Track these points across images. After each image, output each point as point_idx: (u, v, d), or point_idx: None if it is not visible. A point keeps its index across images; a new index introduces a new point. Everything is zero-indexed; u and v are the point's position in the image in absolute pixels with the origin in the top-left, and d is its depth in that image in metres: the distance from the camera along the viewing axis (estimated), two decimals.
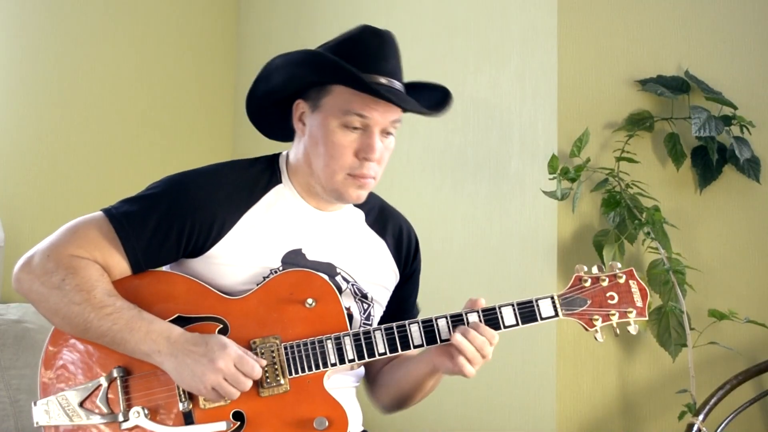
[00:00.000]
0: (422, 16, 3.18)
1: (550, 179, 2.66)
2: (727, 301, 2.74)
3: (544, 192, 2.65)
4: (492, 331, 1.82)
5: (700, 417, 2.51)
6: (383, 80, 1.81)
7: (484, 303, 1.86)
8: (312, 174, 1.88)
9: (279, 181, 1.91)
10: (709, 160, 2.72)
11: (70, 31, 3.58)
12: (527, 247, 2.76)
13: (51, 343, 1.84)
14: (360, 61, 1.80)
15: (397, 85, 1.84)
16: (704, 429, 2.50)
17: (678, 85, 2.74)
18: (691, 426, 2.51)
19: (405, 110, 1.84)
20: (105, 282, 1.79)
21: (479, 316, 1.83)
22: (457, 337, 1.81)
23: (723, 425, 2.60)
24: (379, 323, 1.98)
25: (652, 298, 2.62)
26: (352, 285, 1.93)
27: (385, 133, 1.85)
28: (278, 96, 1.89)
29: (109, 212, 1.84)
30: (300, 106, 1.88)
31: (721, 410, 2.60)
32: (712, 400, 2.54)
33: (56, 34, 3.55)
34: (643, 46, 2.80)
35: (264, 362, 1.77)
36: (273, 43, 3.79)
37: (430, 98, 1.91)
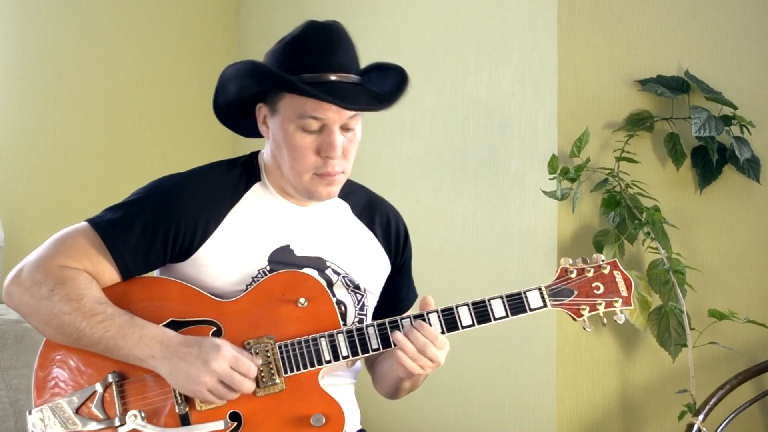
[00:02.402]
0: (422, 16, 3.18)
1: (550, 179, 2.66)
2: (727, 301, 2.75)
3: (544, 192, 2.65)
4: (434, 332, 1.81)
5: (700, 417, 2.51)
6: (333, 77, 1.80)
7: (432, 302, 1.86)
8: (282, 176, 1.89)
9: (258, 179, 1.92)
10: (709, 160, 2.72)
11: (69, 31, 3.58)
12: (527, 247, 2.76)
13: (44, 351, 1.83)
14: (307, 61, 1.81)
15: (348, 78, 1.82)
16: (704, 429, 2.50)
17: (678, 85, 2.74)
18: (691, 426, 2.51)
19: (353, 110, 1.83)
20: (95, 290, 1.79)
21: (470, 310, 1.84)
22: (398, 335, 1.81)
23: (723, 425, 2.60)
24: (374, 316, 1.99)
25: (652, 298, 2.62)
26: (343, 277, 1.93)
27: (346, 128, 1.84)
28: (238, 104, 1.90)
29: (93, 221, 1.84)
30: (262, 110, 1.89)
31: (721, 410, 2.60)
32: (712, 400, 2.54)
33: (56, 34, 3.55)
34: (643, 46, 2.80)
35: (259, 361, 1.78)
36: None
37: (384, 83, 1.88)
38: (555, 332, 2.66)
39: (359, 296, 1.95)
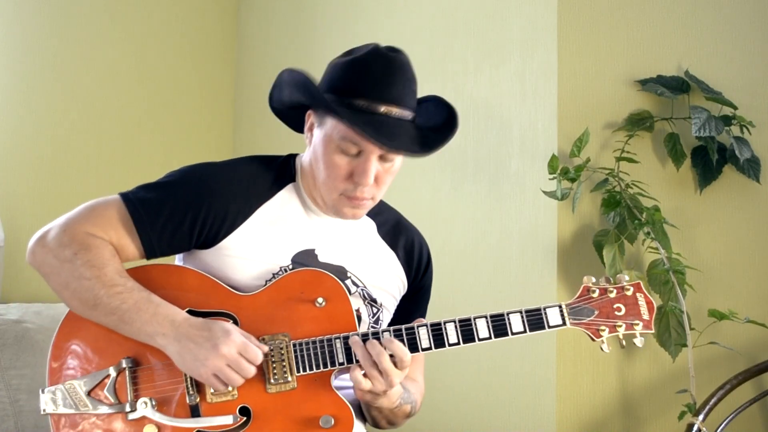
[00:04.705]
0: (422, 16, 3.18)
1: (550, 179, 2.66)
2: (727, 301, 2.75)
3: (544, 192, 2.65)
4: (402, 349, 1.77)
5: (700, 417, 2.51)
6: (383, 108, 1.80)
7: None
8: (315, 186, 1.90)
9: (293, 180, 1.93)
10: (709, 160, 2.72)
11: (69, 31, 3.57)
12: (527, 247, 2.76)
13: (60, 333, 1.84)
14: (362, 87, 1.81)
15: (398, 113, 1.82)
16: (704, 429, 2.50)
17: (678, 85, 2.74)
18: (691, 426, 2.51)
19: (389, 150, 1.82)
20: (116, 262, 1.81)
21: (487, 322, 1.83)
22: (353, 338, 1.79)
23: (723, 425, 2.60)
24: None
25: (652, 298, 2.62)
26: (362, 290, 1.94)
27: (385, 158, 1.84)
28: (290, 105, 1.91)
29: (126, 196, 1.86)
30: (310, 117, 1.90)
31: (721, 410, 2.60)
32: (712, 400, 2.54)
33: (56, 34, 3.55)
34: (643, 46, 2.80)
35: (266, 348, 1.78)
36: (273, 43, 3.79)
37: (435, 117, 1.89)
38: (555, 333, 2.66)
39: (375, 310, 1.96)
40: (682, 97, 2.75)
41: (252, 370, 1.76)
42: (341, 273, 1.91)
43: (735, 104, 2.74)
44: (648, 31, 2.80)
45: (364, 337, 1.80)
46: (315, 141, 1.88)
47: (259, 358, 1.76)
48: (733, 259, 2.83)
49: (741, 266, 2.83)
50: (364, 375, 1.77)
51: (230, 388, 1.78)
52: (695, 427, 2.50)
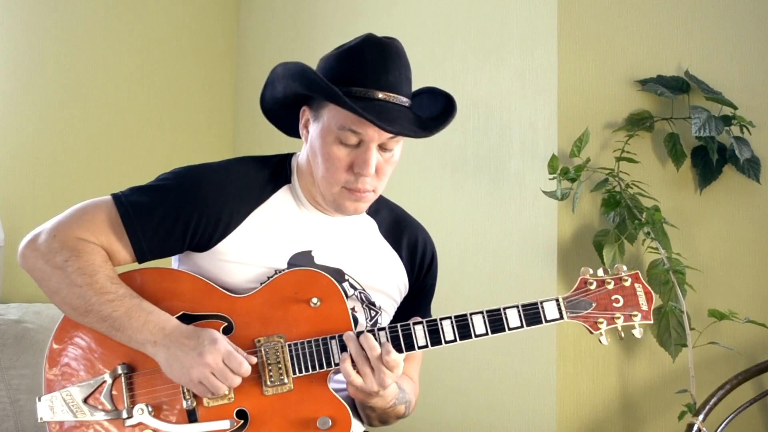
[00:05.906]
0: (422, 16, 3.18)
1: (550, 179, 2.66)
2: (727, 301, 2.74)
3: (544, 192, 2.65)
4: (390, 351, 1.76)
5: (700, 417, 2.51)
6: (380, 95, 1.78)
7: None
8: (313, 183, 1.88)
9: (288, 181, 1.91)
10: (709, 160, 2.72)
11: (70, 31, 3.57)
12: (527, 247, 2.76)
13: (55, 340, 1.84)
14: (358, 75, 1.78)
15: (396, 99, 1.80)
16: (704, 429, 2.50)
17: (678, 85, 2.74)
18: (691, 426, 2.51)
19: (392, 133, 1.79)
20: (108, 269, 1.80)
21: (484, 318, 1.82)
22: (348, 333, 1.79)
23: (723, 425, 2.60)
24: None
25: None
26: (360, 293, 1.92)
27: (384, 147, 1.82)
28: (283, 102, 1.89)
29: (118, 199, 1.84)
30: (305, 113, 1.88)
31: (721, 410, 2.60)
32: (712, 400, 2.54)
33: (56, 34, 3.55)
34: (643, 46, 2.80)
35: (254, 360, 1.77)
36: (273, 43, 3.79)
37: (431, 108, 1.88)
38: (555, 332, 2.66)
39: (373, 313, 1.94)
40: (682, 97, 2.75)
41: (236, 380, 1.75)
42: (339, 275, 1.89)
43: (735, 104, 2.74)
44: (648, 31, 2.80)
45: (359, 333, 1.79)
46: (312, 136, 1.85)
47: (244, 368, 1.74)
48: (733, 259, 2.83)
49: (741, 266, 2.83)
50: (356, 371, 1.77)
51: (226, 392, 1.78)
52: (695, 427, 2.50)
